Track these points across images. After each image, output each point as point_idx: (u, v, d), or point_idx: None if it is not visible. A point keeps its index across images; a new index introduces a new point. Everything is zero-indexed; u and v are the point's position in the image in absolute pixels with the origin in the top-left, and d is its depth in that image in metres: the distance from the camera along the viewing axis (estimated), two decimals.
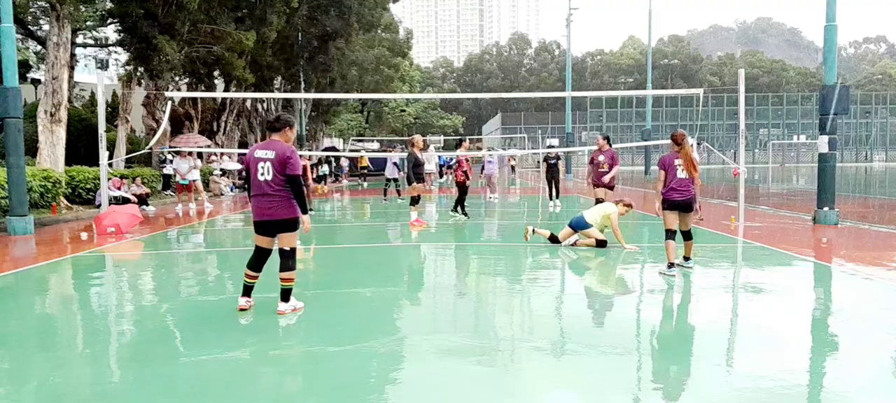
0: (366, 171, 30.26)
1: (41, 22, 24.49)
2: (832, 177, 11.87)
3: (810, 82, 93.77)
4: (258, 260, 5.41)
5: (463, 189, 13.60)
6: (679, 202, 7.02)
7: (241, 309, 5.43)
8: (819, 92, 12.55)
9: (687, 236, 7.24)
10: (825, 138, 12.01)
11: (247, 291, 5.50)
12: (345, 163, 33.79)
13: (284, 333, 4.93)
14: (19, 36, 22.09)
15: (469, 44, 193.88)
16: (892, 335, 4.84)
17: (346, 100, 47.67)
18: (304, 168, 14.73)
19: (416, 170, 12.54)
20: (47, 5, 17.27)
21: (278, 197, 5.14)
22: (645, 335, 5.06)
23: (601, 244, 8.93)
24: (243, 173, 26.78)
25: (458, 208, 13.39)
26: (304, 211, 5.23)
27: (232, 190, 24.11)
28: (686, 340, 4.88)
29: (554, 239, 9.33)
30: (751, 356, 4.36)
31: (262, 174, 5.12)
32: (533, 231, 9.65)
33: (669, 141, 7.29)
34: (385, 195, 19.51)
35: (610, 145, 11.55)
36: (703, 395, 3.70)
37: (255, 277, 5.46)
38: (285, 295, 5.40)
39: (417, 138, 13.02)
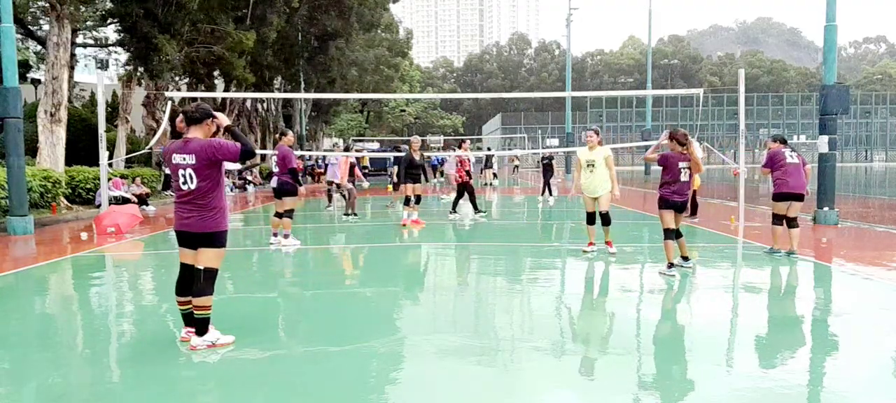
0: (367, 171, 30.45)
1: (41, 22, 24.48)
2: (832, 177, 11.87)
3: (810, 82, 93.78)
4: (184, 281, 4.61)
5: (463, 189, 13.69)
6: (678, 203, 6.94)
7: (184, 341, 4.63)
8: (819, 92, 12.55)
9: (678, 235, 7.13)
10: (825, 138, 12.01)
11: (187, 320, 4.66)
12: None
13: (284, 333, 4.93)
14: (19, 36, 22.09)
15: (469, 44, 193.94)
16: (892, 335, 4.84)
17: (346, 100, 47.68)
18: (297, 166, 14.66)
19: (410, 171, 12.49)
20: (47, 5, 17.26)
21: (200, 206, 4.40)
22: (645, 335, 5.06)
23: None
24: (249, 174, 26.23)
25: (456, 208, 13.67)
26: (251, 156, 4.47)
27: (232, 190, 24.12)
28: (686, 340, 4.88)
29: (591, 219, 8.38)
30: (751, 356, 4.37)
31: (184, 182, 4.40)
32: (590, 246, 8.44)
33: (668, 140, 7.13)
34: (329, 200, 17.44)
35: (778, 143, 8.51)
36: (703, 395, 3.70)
37: (188, 302, 4.61)
38: (200, 326, 4.49)
39: (415, 140, 12.95)
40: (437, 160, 31.06)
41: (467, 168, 13.77)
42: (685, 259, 7.21)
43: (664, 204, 6.97)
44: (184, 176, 4.39)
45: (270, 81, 34.70)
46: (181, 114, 4.58)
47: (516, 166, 40.60)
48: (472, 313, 5.82)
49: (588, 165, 8.16)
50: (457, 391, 3.82)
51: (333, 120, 53.98)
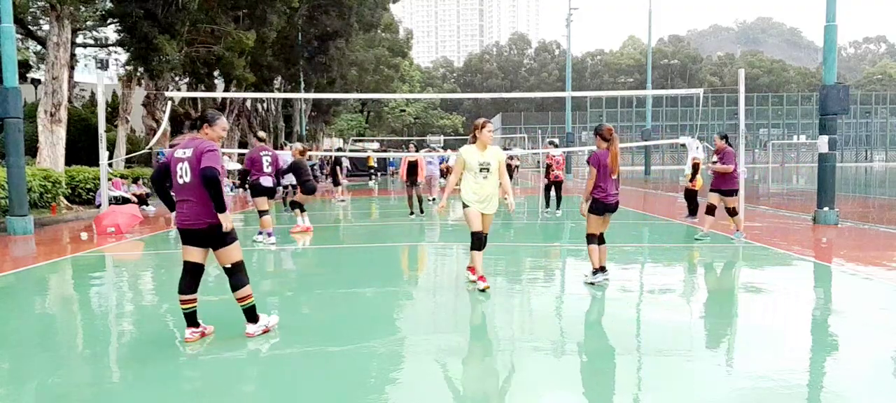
0: (373, 170, 31.05)
1: (41, 22, 24.49)
2: (832, 177, 11.87)
3: (810, 82, 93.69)
4: (190, 278, 4.62)
5: (559, 187, 14.06)
6: (611, 205, 6.41)
7: (188, 341, 4.66)
8: (819, 92, 12.56)
9: (602, 240, 6.53)
10: (825, 138, 12.01)
11: (190, 320, 4.69)
12: (345, 163, 33.98)
13: (284, 333, 4.92)
14: (19, 36, 22.09)
15: (469, 44, 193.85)
16: (892, 335, 4.84)
17: (346, 100, 47.69)
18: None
19: (304, 179, 11.21)
20: (47, 5, 17.26)
21: (197, 202, 4.47)
22: (644, 335, 5.06)
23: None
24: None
25: (556, 204, 14.03)
26: (222, 210, 4.41)
27: (232, 190, 24.12)
28: (686, 340, 4.88)
29: (480, 243, 6.50)
30: (751, 356, 4.36)
31: (181, 176, 4.49)
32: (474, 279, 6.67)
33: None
34: (287, 205, 16.34)
35: (729, 144, 9.97)
36: (704, 395, 3.70)
37: (192, 301, 4.65)
38: (249, 314, 4.72)
39: (297, 146, 11.74)
40: (443, 160, 30.91)
41: (563, 167, 14.27)
42: (603, 268, 6.55)
43: (599, 207, 6.36)
44: (181, 170, 4.49)
45: (270, 81, 34.71)
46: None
47: (517, 166, 40.61)
48: (472, 313, 5.81)
49: (481, 169, 6.27)
50: (457, 391, 3.82)
51: (333, 120, 53.94)
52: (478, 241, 6.34)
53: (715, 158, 9.98)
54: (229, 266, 4.60)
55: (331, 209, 16.94)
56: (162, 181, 4.69)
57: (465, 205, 6.30)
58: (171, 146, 21.62)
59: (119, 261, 9.04)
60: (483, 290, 6.27)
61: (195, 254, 4.62)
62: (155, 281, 7.52)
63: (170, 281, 7.45)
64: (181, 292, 4.64)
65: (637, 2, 65.63)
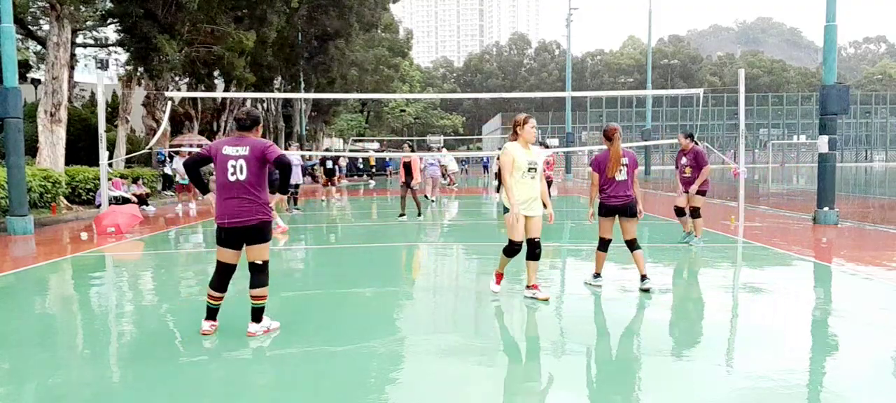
0: (373, 170, 31.37)
1: (41, 22, 24.48)
2: (832, 177, 11.87)
3: (810, 82, 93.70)
4: (222, 278, 4.76)
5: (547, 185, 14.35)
6: (617, 207, 6.23)
7: (205, 334, 4.77)
8: (819, 92, 12.56)
9: (633, 246, 6.28)
10: (825, 138, 12.01)
11: (211, 313, 4.83)
12: (343, 162, 33.97)
13: (284, 333, 4.92)
14: (19, 36, 22.08)
15: (469, 44, 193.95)
16: (892, 335, 4.84)
17: (346, 100, 47.68)
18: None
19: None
20: (47, 5, 17.26)
21: (251, 199, 4.58)
22: (645, 335, 5.06)
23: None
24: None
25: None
26: (285, 192, 4.86)
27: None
28: (686, 340, 4.88)
29: (517, 250, 5.95)
30: (751, 356, 4.36)
31: (234, 174, 4.55)
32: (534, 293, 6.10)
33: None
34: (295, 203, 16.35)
35: (694, 142, 9.34)
36: (704, 395, 3.70)
37: (221, 298, 4.80)
38: (257, 314, 4.80)
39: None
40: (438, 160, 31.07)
41: (552, 167, 14.60)
42: (643, 277, 6.27)
43: (600, 209, 6.34)
44: (235, 166, 4.56)
45: (270, 81, 34.72)
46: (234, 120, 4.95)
47: None
48: (472, 313, 5.81)
49: (530, 169, 5.79)
50: (457, 391, 3.82)
51: (333, 120, 53.96)
52: (514, 248, 5.88)
53: (684, 160, 9.16)
54: (259, 262, 4.72)
55: (330, 208, 16.93)
56: (196, 166, 4.80)
57: (505, 210, 5.83)
58: (171, 146, 21.65)
59: (119, 261, 9.04)
60: (495, 292, 6.29)
61: (230, 256, 4.73)
62: (155, 281, 7.52)
63: (170, 281, 7.46)
64: (213, 288, 4.77)
65: (637, 2, 65.57)
